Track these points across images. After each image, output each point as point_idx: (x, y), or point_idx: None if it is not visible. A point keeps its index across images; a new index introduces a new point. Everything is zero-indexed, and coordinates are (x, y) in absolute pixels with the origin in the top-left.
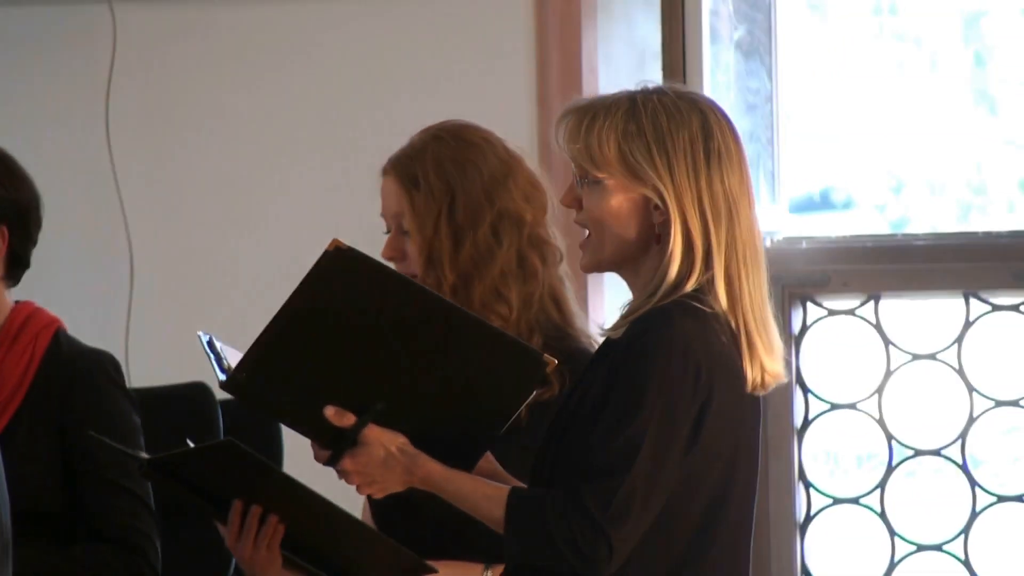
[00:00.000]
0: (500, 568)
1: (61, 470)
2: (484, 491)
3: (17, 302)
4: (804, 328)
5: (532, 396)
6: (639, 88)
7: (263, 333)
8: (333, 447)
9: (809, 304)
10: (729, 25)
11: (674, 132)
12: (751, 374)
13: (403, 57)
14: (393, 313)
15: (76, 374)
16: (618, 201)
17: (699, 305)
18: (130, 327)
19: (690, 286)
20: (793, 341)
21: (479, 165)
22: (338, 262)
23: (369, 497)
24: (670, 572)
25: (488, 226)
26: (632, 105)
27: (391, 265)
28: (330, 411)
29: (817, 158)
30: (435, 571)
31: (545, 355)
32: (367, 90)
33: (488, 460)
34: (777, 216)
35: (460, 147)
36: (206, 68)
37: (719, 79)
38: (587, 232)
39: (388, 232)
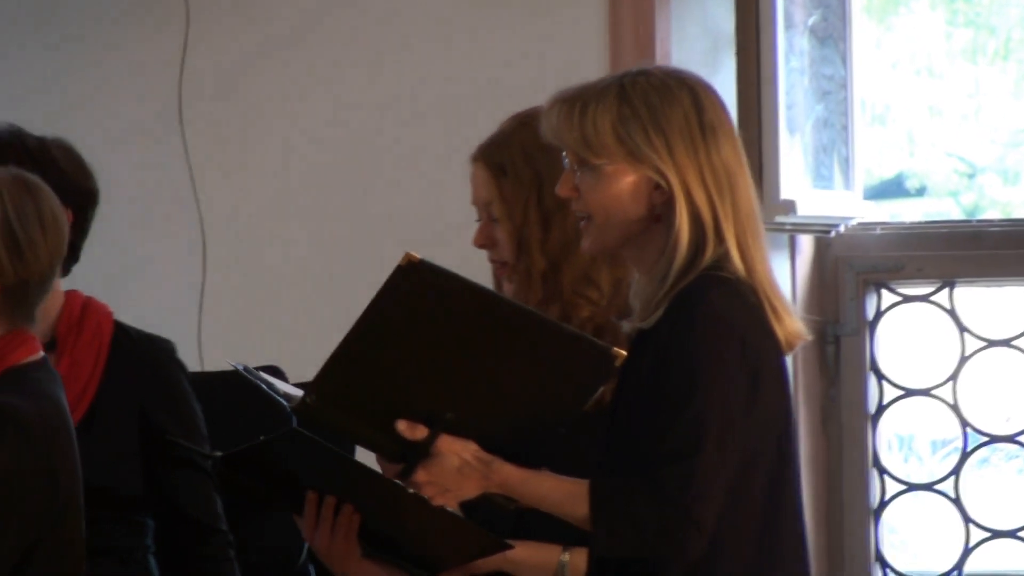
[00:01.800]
0: (579, 550)
1: (142, 451)
2: (565, 488)
3: (67, 291)
4: (878, 314)
5: (600, 391)
6: (623, 73)
7: (335, 352)
8: (404, 460)
9: (883, 290)
10: (803, 10)
11: (667, 110)
12: (780, 335)
13: (478, 38)
14: (464, 322)
15: (147, 360)
16: (619, 184)
17: (723, 274)
18: (203, 311)
19: (706, 259)
20: (867, 327)
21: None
22: (411, 276)
23: None
24: (754, 541)
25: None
26: (621, 89)
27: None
28: (402, 425)
29: (891, 144)
30: (511, 546)
31: (614, 348)
32: (441, 70)
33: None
34: (851, 202)
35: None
36: (277, 47)
37: (793, 64)
38: (587, 217)
39: (479, 220)
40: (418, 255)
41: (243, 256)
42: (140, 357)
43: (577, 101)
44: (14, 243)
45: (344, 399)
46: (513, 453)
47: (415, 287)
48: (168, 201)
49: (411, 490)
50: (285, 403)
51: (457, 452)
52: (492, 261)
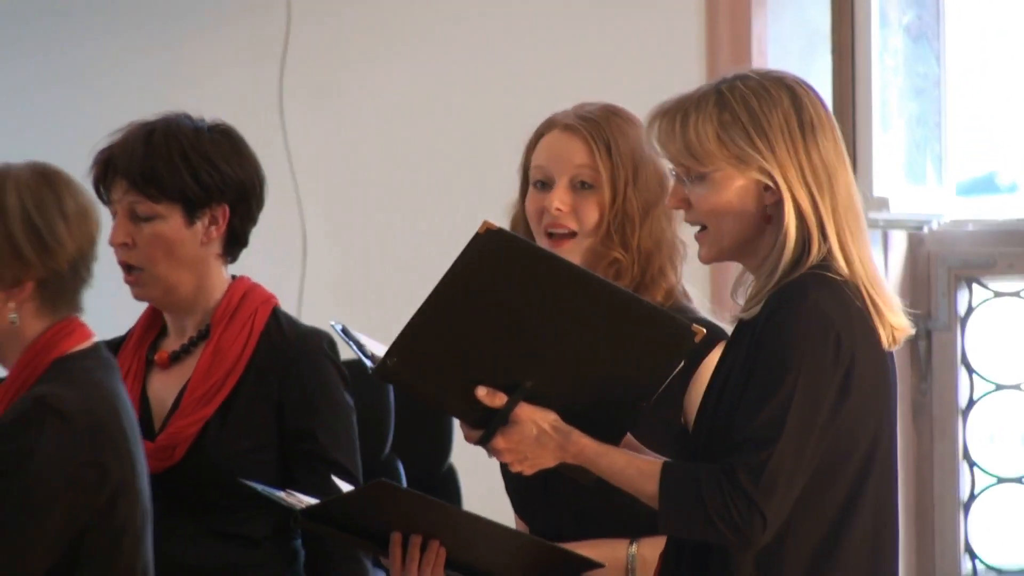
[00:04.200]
0: (646, 541)
1: (276, 445)
2: (638, 466)
3: (234, 277)
4: (970, 310)
5: (679, 367)
6: (719, 80)
7: (414, 317)
8: (484, 426)
9: (975, 286)
10: (898, 9)
11: (767, 112)
12: (883, 333)
13: (576, 38)
14: (542, 291)
15: (296, 353)
16: (729, 190)
17: (829, 274)
18: (303, 299)
19: (812, 258)
20: (959, 322)
21: (651, 153)
22: (489, 244)
23: (510, 491)
24: (822, 542)
25: (661, 209)
26: (719, 95)
27: (558, 219)
28: (481, 391)
29: (984, 142)
30: (601, 565)
31: (694, 325)
32: (539, 68)
33: (627, 435)
34: (944, 199)
35: (638, 130)
36: (375, 41)
37: (887, 63)
38: (702, 227)
39: (543, 187)
40: (496, 224)
41: (342, 237)
42: (285, 352)
43: (677, 112)
44: (37, 237)
45: (424, 363)
46: (591, 427)
47: (492, 255)
48: (269, 195)
49: (494, 520)
50: (371, 365)
51: (536, 421)
52: (552, 228)
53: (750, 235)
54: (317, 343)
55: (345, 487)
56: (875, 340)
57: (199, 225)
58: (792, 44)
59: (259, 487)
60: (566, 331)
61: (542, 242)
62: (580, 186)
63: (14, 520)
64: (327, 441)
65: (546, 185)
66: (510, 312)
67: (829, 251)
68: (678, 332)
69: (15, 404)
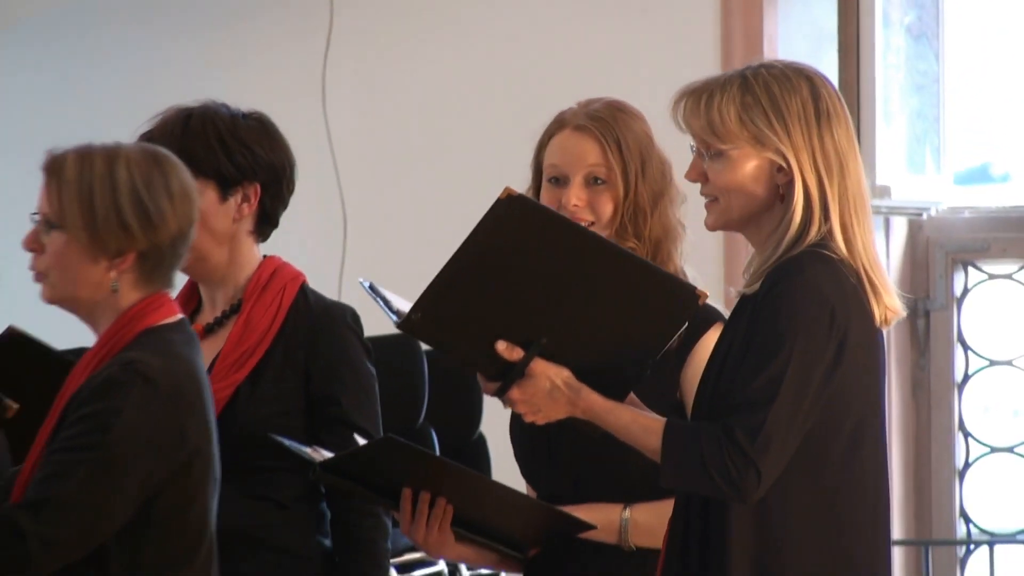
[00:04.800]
0: (639, 506)
1: (303, 411)
2: (642, 422)
3: (265, 256)
4: (965, 291)
5: (683, 328)
6: (745, 66)
7: (439, 275)
8: (501, 379)
9: (970, 269)
10: (900, 10)
11: (787, 98)
12: (877, 312)
13: (596, 37)
14: (559, 253)
15: (321, 325)
16: (745, 167)
17: (826, 252)
18: (343, 277)
19: (811, 237)
20: (955, 303)
21: (655, 145)
22: (510, 208)
23: (518, 458)
24: (816, 501)
25: (667, 198)
26: (744, 80)
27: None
28: (501, 345)
29: (979, 134)
30: (593, 527)
31: (699, 288)
32: (561, 65)
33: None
34: (941, 187)
35: (643, 125)
36: (415, 31)
37: (890, 60)
38: (714, 198)
39: (558, 183)
40: (517, 190)
41: (380, 228)
42: (312, 323)
43: (703, 92)
44: (143, 212)
45: (446, 318)
46: (598, 383)
47: (513, 219)
48: (314, 184)
49: (497, 481)
50: (395, 318)
51: (550, 376)
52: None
53: (757, 211)
54: (341, 316)
55: None
56: (868, 317)
57: (232, 201)
58: (800, 43)
59: (286, 441)
60: (580, 291)
61: None
62: (594, 182)
63: (98, 474)
64: (350, 406)
65: (560, 181)
66: (528, 272)
67: (829, 231)
68: (685, 294)
69: (104, 367)
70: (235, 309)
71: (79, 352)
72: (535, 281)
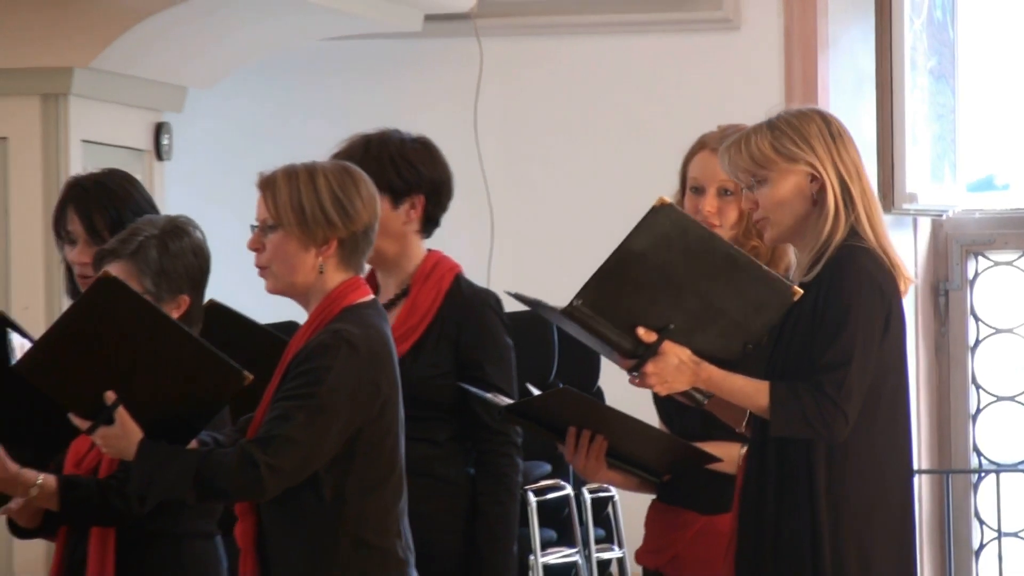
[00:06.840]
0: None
1: (454, 373)
2: (753, 385)
3: (429, 250)
4: (976, 274)
5: (777, 320)
6: (767, 117)
7: (599, 270)
8: (634, 357)
9: (980, 257)
10: (924, 56)
11: (805, 124)
12: (903, 285)
13: (691, 79)
14: (695, 255)
15: (471, 307)
16: (786, 184)
17: (863, 244)
18: (490, 274)
19: (842, 226)
20: (968, 284)
21: None
22: (662, 215)
23: (657, 404)
24: (866, 442)
25: None
26: (769, 122)
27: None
28: (641, 330)
29: (986, 153)
30: (719, 460)
31: (795, 287)
32: (662, 107)
33: None
34: (957, 194)
35: None
36: (552, 89)
37: (916, 96)
38: (765, 218)
39: (696, 192)
40: (670, 199)
41: (526, 253)
42: (464, 304)
43: (741, 139)
44: (341, 207)
45: (600, 306)
46: (710, 361)
47: (664, 224)
48: (467, 211)
49: (644, 422)
50: (558, 309)
51: (677, 353)
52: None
53: (802, 218)
54: (486, 299)
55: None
56: (899, 293)
57: (402, 209)
58: (846, 83)
59: (472, 389)
60: (704, 284)
61: None
62: (724, 193)
63: (313, 417)
64: (491, 371)
65: (699, 191)
66: (666, 268)
67: (856, 221)
68: (784, 290)
69: (317, 335)
70: (404, 293)
71: (281, 326)
72: (672, 275)
